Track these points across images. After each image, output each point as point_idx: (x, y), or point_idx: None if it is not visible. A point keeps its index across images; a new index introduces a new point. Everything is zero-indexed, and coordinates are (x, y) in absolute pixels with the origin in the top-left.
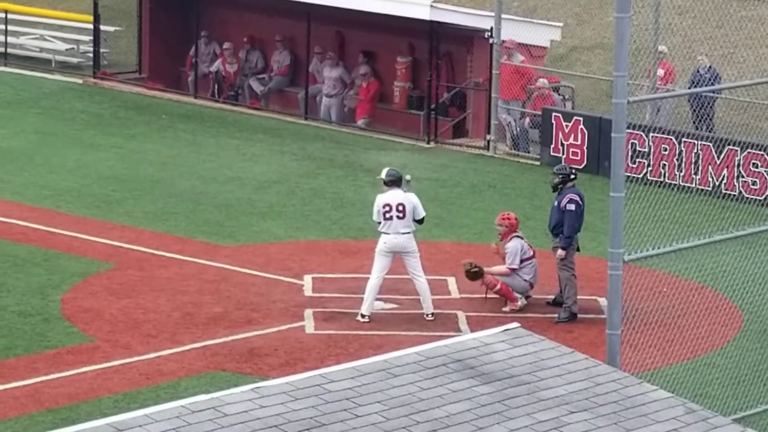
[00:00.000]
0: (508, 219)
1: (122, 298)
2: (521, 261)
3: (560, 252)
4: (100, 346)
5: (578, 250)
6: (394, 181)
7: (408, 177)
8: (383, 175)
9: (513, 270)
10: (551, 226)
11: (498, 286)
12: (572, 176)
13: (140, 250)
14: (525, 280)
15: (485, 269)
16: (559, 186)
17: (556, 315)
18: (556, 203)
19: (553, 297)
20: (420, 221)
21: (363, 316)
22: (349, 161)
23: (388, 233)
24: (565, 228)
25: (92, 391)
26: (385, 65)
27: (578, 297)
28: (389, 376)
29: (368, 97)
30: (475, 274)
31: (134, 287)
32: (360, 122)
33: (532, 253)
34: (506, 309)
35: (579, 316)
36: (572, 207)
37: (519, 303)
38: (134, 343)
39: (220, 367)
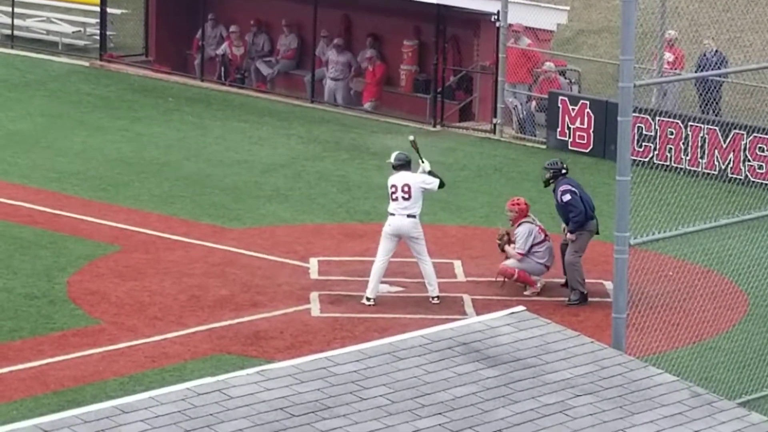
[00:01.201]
0: (518, 204)
1: (128, 280)
2: (533, 246)
3: (569, 236)
4: (106, 328)
5: (597, 233)
6: (402, 165)
7: (411, 137)
8: (392, 159)
9: (522, 255)
10: (565, 222)
11: (515, 275)
12: (563, 171)
13: (146, 233)
14: (539, 263)
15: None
16: (551, 181)
17: (566, 298)
18: (555, 201)
19: (565, 279)
20: (440, 186)
21: (368, 299)
22: (355, 144)
23: (394, 214)
24: (573, 216)
25: (98, 374)
26: (391, 49)
27: (585, 281)
28: (395, 359)
29: (375, 81)
30: (501, 238)
31: (140, 270)
32: (366, 105)
33: (543, 236)
34: (527, 293)
35: (573, 301)
36: (568, 197)
37: (538, 285)
38: (140, 326)
39: (226, 349)
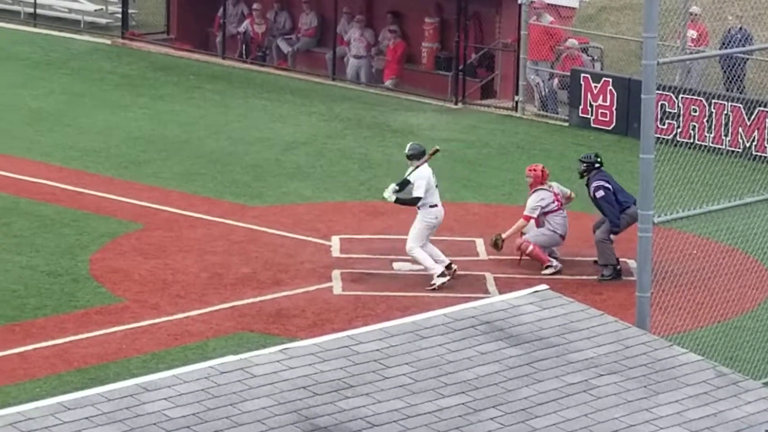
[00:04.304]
0: (534, 170)
1: (151, 258)
2: (547, 214)
3: (612, 237)
4: (129, 306)
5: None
6: (415, 155)
7: (437, 147)
8: (407, 150)
9: (527, 218)
10: (600, 212)
11: (531, 248)
12: (596, 165)
13: (168, 211)
14: (555, 233)
15: (506, 233)
16: (584, 174)
17: (590, 276)
18: (588, 194)
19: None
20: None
21: (442, 275)
22: (376, 122)
23: (437, 205)
24: (609, 215)
25: (120, 351)
26: (412, 26)
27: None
28: (417, 338)
29: (395, 58)
30: (495, 243)
31: (163, 248)
32: (387, 83)
33: (557, 205)
34: (544, 272)
35: (606, 277)
36: (601, 193)
37: (555, 264)
38: (163, 304)
39: (248, 327)
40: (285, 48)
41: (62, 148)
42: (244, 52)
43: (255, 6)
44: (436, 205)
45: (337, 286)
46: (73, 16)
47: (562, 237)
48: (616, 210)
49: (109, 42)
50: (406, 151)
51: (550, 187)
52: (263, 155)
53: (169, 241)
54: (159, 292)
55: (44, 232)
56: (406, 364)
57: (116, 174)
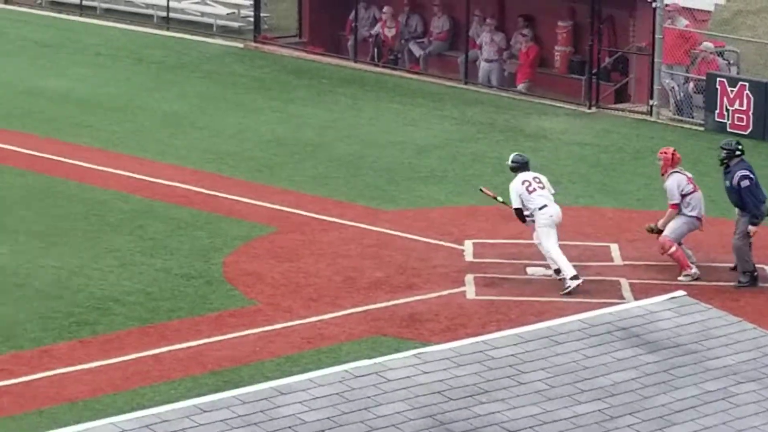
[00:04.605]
0: (665, 153)
1: (284, 261)
2: (683, 196)
3: (752, 228)
4: (262, 309)
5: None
6: (520, 167)
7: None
8: (509, 161)
9: (676, 206)
10: (735, 204)
11: (673, 248)
12: (737, 152)
13: (301, 214)
14: (691, 216)
15: (660, 222)
16: (725, 161)
17: (727, 282)
18: (727, 183)
19: (734, 264)
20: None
21: (575, 277)
22: (509, 126)
23: (547, 204)
24: (750, 206)
25: (254, 354)
26: (545, 29)
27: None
28: (553, 344)
29: (528, 62)
30: (657, 232)
31: (295, 251)
32: (520, 86)
33: (692, 187)
34: (681, 278)
35: (743, 283)
36: (746, 183)
37: (693, 270)
38: (296, 307)
39: (381, 331)
40: (417, 51)
41: (196, 151)
42: (375, 55)
43: (386, 9)
44: (545, 206)
45: (470, 291)
46: (205, 19)
47: (700, 219)
48: (758, 200)
49: (241, 45)
50: (508, 162)
51: (681, 169)
52: (396, 159)
53: (302, 244)
54: (292, 295)
55: (178, 235)
56: (542, 369)
57: (249, 177)
